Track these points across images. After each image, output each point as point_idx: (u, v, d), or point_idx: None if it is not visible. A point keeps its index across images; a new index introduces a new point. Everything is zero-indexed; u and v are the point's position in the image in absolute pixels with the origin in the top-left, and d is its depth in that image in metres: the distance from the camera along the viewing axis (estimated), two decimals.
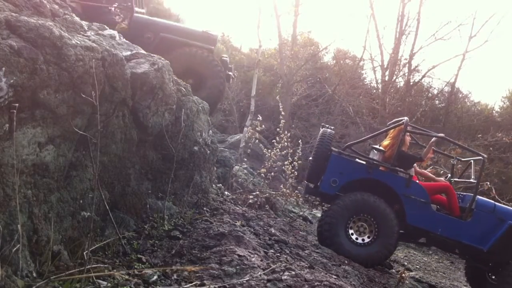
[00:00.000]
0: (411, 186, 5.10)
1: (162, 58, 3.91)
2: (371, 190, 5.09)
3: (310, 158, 5.67)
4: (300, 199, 7.01)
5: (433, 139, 5.53)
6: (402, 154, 5.28)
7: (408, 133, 5.48)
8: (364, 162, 5.24)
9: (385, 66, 19.07)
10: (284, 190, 6.56)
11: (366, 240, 5.03)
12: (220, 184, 5.84)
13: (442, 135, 5.70)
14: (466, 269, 6.02)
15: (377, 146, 5.53)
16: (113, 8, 6.19)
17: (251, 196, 5.89)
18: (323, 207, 5.96)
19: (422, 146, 6.39)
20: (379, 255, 4.94)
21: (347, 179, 5.10)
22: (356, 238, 5.04)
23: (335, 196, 5.10)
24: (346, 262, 4.67)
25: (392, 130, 5.60)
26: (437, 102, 21.19)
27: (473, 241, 5.07)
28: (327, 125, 5.67)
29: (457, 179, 6.56)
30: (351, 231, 5.04)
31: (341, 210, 4.99)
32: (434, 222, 5.12)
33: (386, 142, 5.56)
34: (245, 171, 8.85)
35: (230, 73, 6.57)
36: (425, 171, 6.19)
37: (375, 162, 5.20)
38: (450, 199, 5.36)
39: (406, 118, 5.27)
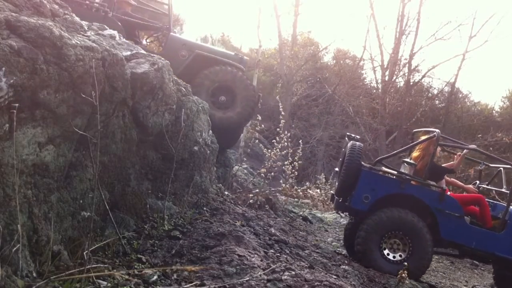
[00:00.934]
0: (445, 200, 4.99)
1: (162, 58, 3.91)
2: (403, 205, 4.98)
3: (337, 169, 5.58)
4: (298, 196, 6.99)
5: (464, 151, 5.46)
6: (434, 166, 5.19)
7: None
8: (395, 176, 5.11)
9: (385, 66, 19.08)
10: (284, 185, 6.53)
11: (400, 257, 4.94)
12: (220, 184, 5.84)
13: (474, 146, 5.60)
14: (495, 274, 5.98)
15: (408, 160, 5.35)
16: (144, 41, 6.47)
17: (251, 195, 5.90)
18: (350, 218, 5.87)
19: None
20: (413, 272, 4.78)
21: (379, 195, 4.97)
22: (389, 255, 4.95)
23: (367, 212, 5.00)
24: (346, 262, 4.67)
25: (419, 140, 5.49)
26: (437, 102, 21.19)
27: (508, 253, 5.02)
28: (352, 135, 5.51)
29: (486, 186, 6.38)
30: (384, 249, 4.96)
31: (375, 227, 4.89)
32: (468, 235, 5.03)
33: (415, 153, 5.43)
34: (245, 171, 8.86)
35: (260, 93, 6.75)
36: (454, 180, 5.99)
37: (407, 176, 5.06)
38: (482, 210, 5.25)
39: (437, 130, 5.10)
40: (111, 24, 5.36)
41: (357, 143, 5.18)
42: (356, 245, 4.95)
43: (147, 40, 6.89)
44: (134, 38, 6.17)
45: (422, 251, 4.91)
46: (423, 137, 5.47)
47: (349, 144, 5.18)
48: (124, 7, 6.30)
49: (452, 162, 5.70)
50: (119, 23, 5.70)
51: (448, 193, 5.25)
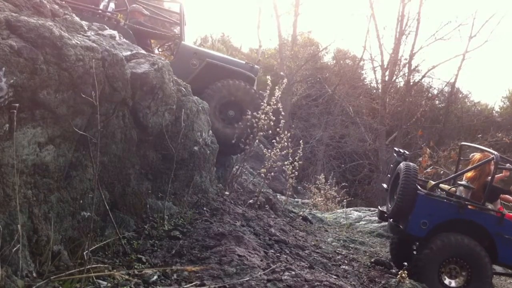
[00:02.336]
0: (504, 224, 4.91)
1: (162, 58, 3.91)
2: (462, 230, 4.91)
3: (385, 186, 5.50)
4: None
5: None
6: (492, 188, 5.09)
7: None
8: (449, 200, 5.03)
9: (385, 66, 19.10)
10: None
11: (459, 284, 4.86)
12: (220, 184, 5.84)
13: None
14: None
15: (464, 183, 5.23)
16: (156, 50, 6.46)
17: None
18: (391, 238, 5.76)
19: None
20: None
21: (437, 220, 4.88)
22: (450, 283, 4.87)
23: (424, 238, 4.93)
24: (346, 262, 4.67)
25: (474, 159, 5.39)
26: (437, 102, 21.22)
27: None
28: (401, 151, 5.40)
29: None
30: (444, 277, 4.87)
31: (434, 256, 4.81)
32: None
33: (470, 173, 5.33)
34: (245, 171, 8.84)
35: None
36: (507, 196, 5.74)
37: (465, 201, 4.97)
38: None
39: (496, 154, 4.97)
40: (123, 33, 5.39)
41: (411, 164, 5.08)
42: (414, 273, 4.81)
43: (159, 49, 6.84)
44: (146, 47, 6.16)
45: (481, 277, 4.83)
46: (476, 155, 5.37)
47: (402, 165, 5.06)
48: (137, 17, 6.30)
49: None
50: (131, 32, 5.70)
51: (504, 211, 5.14)
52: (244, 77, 6.12)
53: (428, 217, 4.82)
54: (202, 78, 5.80)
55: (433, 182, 5.32)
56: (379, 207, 5.97)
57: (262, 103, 5.82)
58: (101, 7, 5.94)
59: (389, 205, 5.24)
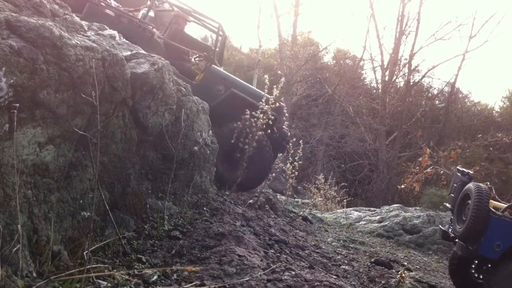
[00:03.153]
0: None
1: (162, 58, 3.91)
2: None
3: (448, 206, 5.50)
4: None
5: None
6: None
7: None
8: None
9: (385, 66, 19.10)
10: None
11: None
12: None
13: None
14: None
15: None
16: (193, 59, 6.32)
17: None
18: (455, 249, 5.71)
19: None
20: None
21: (511, 242, 4.90)
22: None
23: (497, 260, 4.92)
24: (346, 262, 4.67)
25: None
26: (437, 102, 21.24)
27: None
28: (465, 171, 5.38)
29: None
30: None
31: (509, 278, 4.80)
32: None
33: None
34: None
35: (287, 145, 6.36)
36: None
37: None
38: None
39: None
40: (155, 46, 5.39)
41: (482, 185, 5.06)
42: None
43: (196, 59, 6.63)
44: (183, 55, 6.09)
45: None
46: None
47: (472, 186, 5.05)
48: (180, 23, 6.22)
49: None
50: (163, 47, 5.66)
51: None
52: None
53: (502, 239, 4.86)
54: (225, 106, 5.68)
55: (497, 203, 5.33)
56: (440, 226, 6.00)
57: (267, 145, 5.73)
58: (139, 16, 5.85)
59: (457, 226, 5.25)
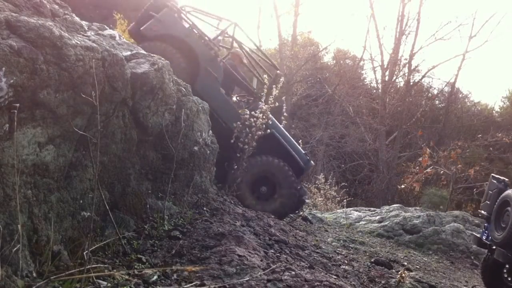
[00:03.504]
0: None
1: (162, 58, 3.91)
2: None
3: (484, 212, 5.52)
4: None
5: None
6: None
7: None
8: None
9: (385, 66, 19.10)
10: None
11: None
12: (220, 184, 5.84)
13: None
14: None
15: None
16: (235, 97, 6.37)
17: None
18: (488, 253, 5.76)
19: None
20: None
21: None
22: None
23: None
24: (346, 262, 4.67)
25: None
26: (437, 102, 21.24)
27: None
28: (501, 178, 5.44)
29: None
30: None
31: None
32: None
33: None
34: None
35: (305, 198, 6.51)
36: None
37: None
38: None
39: None
40: (215, 67, 5.54)
41: None
42: None
43: (256, 86, 6.64)
44: (228, 91, 6.11)
45: None
46: None
47: (510, 192, 5.08)
48: (235, 60, 6.27)
49: None
50: (222, 71, 5.73)
51: None
52: (295, 164, 6.02)
53: None
54: (261, 144, 5.67)
55: None
56: (473, 233, 6.00)
57: (294, 181, 5.79)
58: (211, 36, 5.90)
59: (496, 233, 5.29)
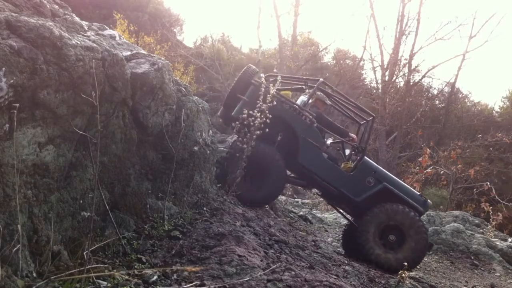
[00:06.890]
0: None
1: (162, 58, 3.91)
2: None
3: None
4: None
5: None
6: None
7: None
8: None
9: (385, 66, 19.07)
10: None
11: None
12: (220, 184, 5.84)
13: None
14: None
15: None
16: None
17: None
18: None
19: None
20: None
21: None
22: None
23: None
24: (346, 262, 4.67)
25: None
26: (437, 102, 21.21)
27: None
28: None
29: None
30: None
31: None
32: None
33: None
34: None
35: (432, 243, 6.47)
36: None
37: None
38: None
39: None
40: (313, 134, 5.56)
41: None
42: None
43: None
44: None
45: None
46: None
47: None
48: (318, 106, 6.14)
49: None
50: (320, 135, 5.71)
51: None
52: (414, 210, 5.88)
53: None
54: (374, 199, 5.65)
55: None
56: None
57: (425, 235, 5.70)
58: (298, 102, 5.92)
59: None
